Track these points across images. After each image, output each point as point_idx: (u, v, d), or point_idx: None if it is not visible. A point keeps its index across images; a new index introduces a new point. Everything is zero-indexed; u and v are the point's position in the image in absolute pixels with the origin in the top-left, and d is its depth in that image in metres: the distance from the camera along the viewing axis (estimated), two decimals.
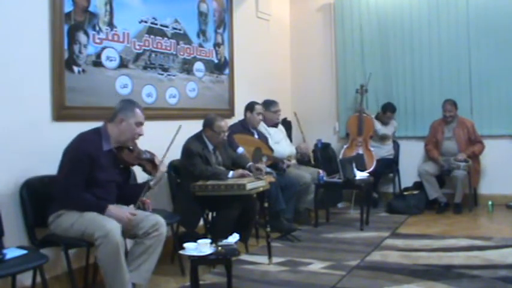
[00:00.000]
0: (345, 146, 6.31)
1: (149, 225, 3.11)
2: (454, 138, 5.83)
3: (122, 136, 3.15)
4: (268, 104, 5.52)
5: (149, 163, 3.32)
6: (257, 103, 5.19)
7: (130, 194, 3.34)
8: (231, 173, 4.01)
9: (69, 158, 3.01)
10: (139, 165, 3.33)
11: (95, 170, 3.02)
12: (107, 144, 3.10)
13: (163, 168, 3.37)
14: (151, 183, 3.31)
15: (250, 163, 4.36)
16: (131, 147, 3.25)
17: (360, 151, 6.08)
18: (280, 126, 5.65)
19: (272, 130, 5.49)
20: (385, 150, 6.27)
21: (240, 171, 4.08)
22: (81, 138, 3.07)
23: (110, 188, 3.17)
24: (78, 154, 2.99)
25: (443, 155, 5.87)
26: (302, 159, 5.50)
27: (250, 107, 5.17)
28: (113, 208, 3.04)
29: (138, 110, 3.17)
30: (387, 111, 6.26)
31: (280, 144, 5.42)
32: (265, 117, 5.53)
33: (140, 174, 3.55)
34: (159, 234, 3.12)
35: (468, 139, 5.79)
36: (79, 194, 2.99)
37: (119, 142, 3.17)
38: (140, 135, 3.21)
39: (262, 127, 5.47)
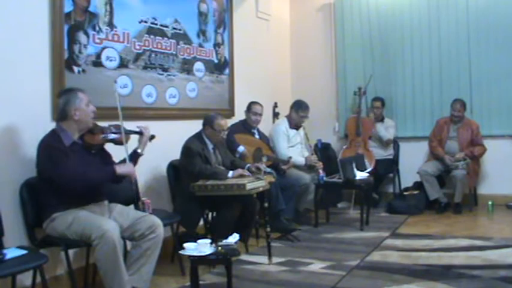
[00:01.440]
0: (344, 147, 6.30)
1: (145, 227, 3.10)
2: (457, 139, 5.83)
3: (82, 124, 3.10)
4: (298, 106, 5.49)
5: (116, 134, 3.25)
6: (255, 103, 5.18)
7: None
8: (230, 173, 4.01)
9: (50, 160, 2.93)
10: (109, 141, 3.26)
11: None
12: (68, 139, 3.04)
13: (147, 132, 3.34)
14: (139, 150, 3.31)
15: (248, 164, 4.36)
16: (93, 130, 3.18)
17: (360, 152, 6.07)
18: (301, 131, 5.59)
19: (292, 132, 5.47)
20: (384, 150, 6.25)
21: (240, 171, 4.08)
22: (44, 141, 3.01)
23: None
24: (53, 150, 2.95)
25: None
26: (311, 169, 5.45)
27: (247, 106, 5.19)
28: (119, 168, 3.08)
29: (80, 93, 3.10)
30: (374, 100, 6.31)
31: (295, 148, 5.40)
32: (290, 117, 5.52)
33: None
34: (156, 236, 3.11)
35: (470, 140, 5.79)
36: (84, 175, 2.97)
37: (81, 131, 3.12)
38: (94, 111, 3.15)
39: (283, 126, 5.44)
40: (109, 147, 3.33)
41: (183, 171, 4.11)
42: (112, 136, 3.23)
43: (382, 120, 6.33)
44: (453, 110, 5.84)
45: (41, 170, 3.04)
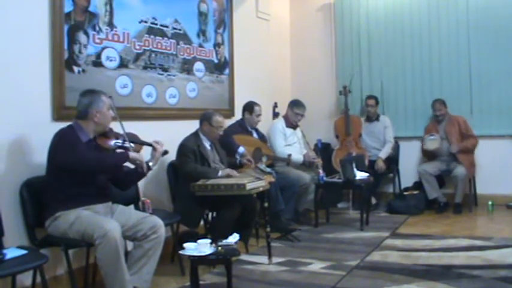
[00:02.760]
0: (336, 147, 6.28)
1: (147, 228, 3.11)
2: (445, 135, 5.84)
3: (100, 126, 3.13)
4: (294, 104, 5.54)
5: (129, 143, 3.22)
6: (256, 104, 5.17)
7: (129, 178, 3.36)
8: (220, 172, 4.01)
9: (66, 146, 2.95)
10: (120, 148, 3.24)
11: None
12: (84, 136, 3.07)
13: (160, 147, 3.32)
14: (151, 164, 3.28)
15: (238, 158, 4.43)
16: (107, 134, 3.19)
17: (351, 151, 6.04)
18: (298, 130, 5.62)
19: (289, 131, 5.49)
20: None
21: (228, 170, 4.08)
22: (61, 132, 3.04)
23: (101, 180, 3.16)
24: (70, 138, 2.99)
25: (439, 155, 5.87)
26: (310, 167, 5.46)
27: (249, 108, 5.16)
28: (131, 154, 3.11)
29: (103, 97, 3.14)
30: (368, 99, 6.24)
31: (292, 147, 5.41)
32: (287, 115, 5.55)
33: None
34: (158, 236, 3.12)
35: (460, 135, 5.79)
36: (99, 156, 3.03)
37: (96, 132, 3.14)
38: (113, 117, 3.18)
39: (280, 125, 5.46)
40: None
41: (179, 170, 4.12)
42: (125, 144, 3.20)
43: (377, 118, 6.28)
44: (434, 110, 5.91)
45: (54, 159, 3.01)
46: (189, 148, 4.02)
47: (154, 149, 3.32)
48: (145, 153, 3.32)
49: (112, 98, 3.25)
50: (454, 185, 5.72)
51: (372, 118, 6.29)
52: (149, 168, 3.28)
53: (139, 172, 3.27)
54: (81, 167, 2.96)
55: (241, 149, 4.59)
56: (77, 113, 3.15)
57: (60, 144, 3.00)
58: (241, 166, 4.38)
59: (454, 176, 5.68)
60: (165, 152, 3.39)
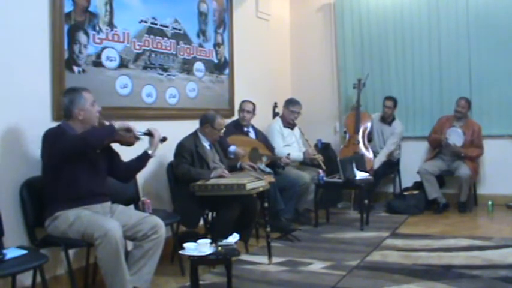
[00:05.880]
0: (342, 146, 6.26)
1: (148, 228, 3.11)
2: None
3: (88, 123, 3.09)
4: (288, 102, 5.58)
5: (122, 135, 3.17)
6: (245, 101, 5.15)
7: (130, 169, 3.33)
8: (212, 174, 4.01)
9: (54, 142, 2.92)
10: (114, 142, 3.19)
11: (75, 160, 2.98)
12: (74, 133, 3.03)
13: (157, 133, 3.27)
14: (150, 152, 3.24)
15: (240, 162, 4.41)
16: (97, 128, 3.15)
17: (357, 149, 6.01)
18: (296, 129, 5.62)
19: (286, 131, 5.50)
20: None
21: (220, 171, 4.05)
22: (49, 131, 3.02)
23: (99, 179, 3.15)
24: (57, 135, 2.95)
25: (443, 153, 5.86)
26: (312, 164, 5.45)
27: (239, 106, 5.19)
28: (117, 124, 3.04)
29: (84, 93, 3.08)
30: (387, 99, 6.15)
31: (291, 147, 5.41)
32: (283, 115, 5.59)
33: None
34: (158, 236, 3.12)
35: (471, 141, 5.77)
36: (83, 134, 2.96)
37: (85, 129, 3.09)
38: (99, 111, 3.14)
39: (277, 125, 5.47)
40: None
41: (174, 170, 4.12)
42: (117, 136, 3.13)
43: (391, 122, 6.15)
44: (457, 105, 5.82)
45: (46, 158, 3.00)
46: (186, 148, 4.02)
47: (151, 135, 3.27)
48: (144, 144, 3.29)
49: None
50: (459, 184, 5.69)
51: (387, 120, 6.19)
52: (149, 156, 3.25)
53: (140, 162, 3.25)
54: (70, 148, 2.89)
55: (232, 148, 4.49)
56: (63, 114, 3.14)
57: (48, 142, 2.97)
58: (241, 170, 4.36)
59: (457, 177, 5.66)
60: (164, 139, 3.35)
